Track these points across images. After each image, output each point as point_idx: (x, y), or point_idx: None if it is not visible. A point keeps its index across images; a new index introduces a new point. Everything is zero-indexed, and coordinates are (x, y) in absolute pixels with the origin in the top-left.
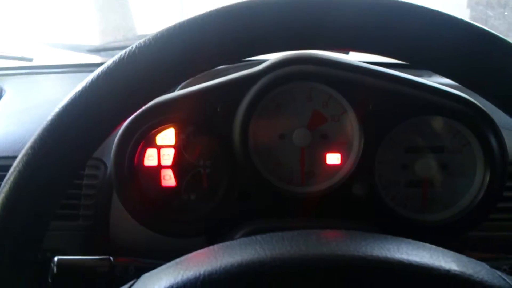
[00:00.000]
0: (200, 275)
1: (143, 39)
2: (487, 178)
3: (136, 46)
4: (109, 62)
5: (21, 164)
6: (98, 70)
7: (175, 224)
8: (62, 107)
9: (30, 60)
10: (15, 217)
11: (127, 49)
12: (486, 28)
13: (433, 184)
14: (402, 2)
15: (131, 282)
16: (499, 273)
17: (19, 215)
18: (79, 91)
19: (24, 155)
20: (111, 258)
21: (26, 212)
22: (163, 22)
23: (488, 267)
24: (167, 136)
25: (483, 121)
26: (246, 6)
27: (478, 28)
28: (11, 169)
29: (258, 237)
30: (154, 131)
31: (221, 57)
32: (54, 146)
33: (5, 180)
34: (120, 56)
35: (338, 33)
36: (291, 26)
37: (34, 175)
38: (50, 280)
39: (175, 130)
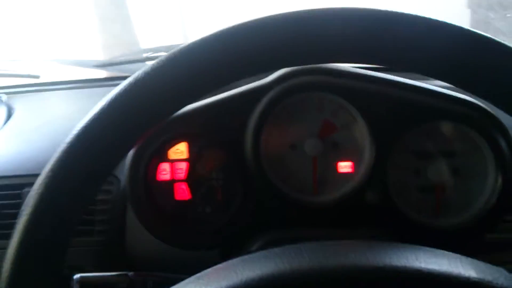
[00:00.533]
0: None
1: (157, 60)
2: (499, 181)
3: (151, 66)
4: (125, 83)
5: (42, 187)
6: (113, 93)
7: (190, 237)
8: (83, 127)
9: (37, 77)
10: (38, 240)
11: (141, 70)
12: (475, 30)
13: (446, 188)
14: (393, 12)
15: None
16: None
17: (43, 236)
18: (97, 113)
19: (45, 178)
20: (129, 273)
21: (50, 233)
22: (164, 35)
23: (506, 272)
24: (179, 150)
25: (492, 124)
26: (256, 25)
27: (469, 31)
28: (32, 192)
29: (277, 250)
30: (166, 145)
31: (232, 75)
32: (74, 168)
33: (26, 202)
34: (136, 76)
35: (338, 47)
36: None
37: (55, 198)
38: None
39: (187, 143)
